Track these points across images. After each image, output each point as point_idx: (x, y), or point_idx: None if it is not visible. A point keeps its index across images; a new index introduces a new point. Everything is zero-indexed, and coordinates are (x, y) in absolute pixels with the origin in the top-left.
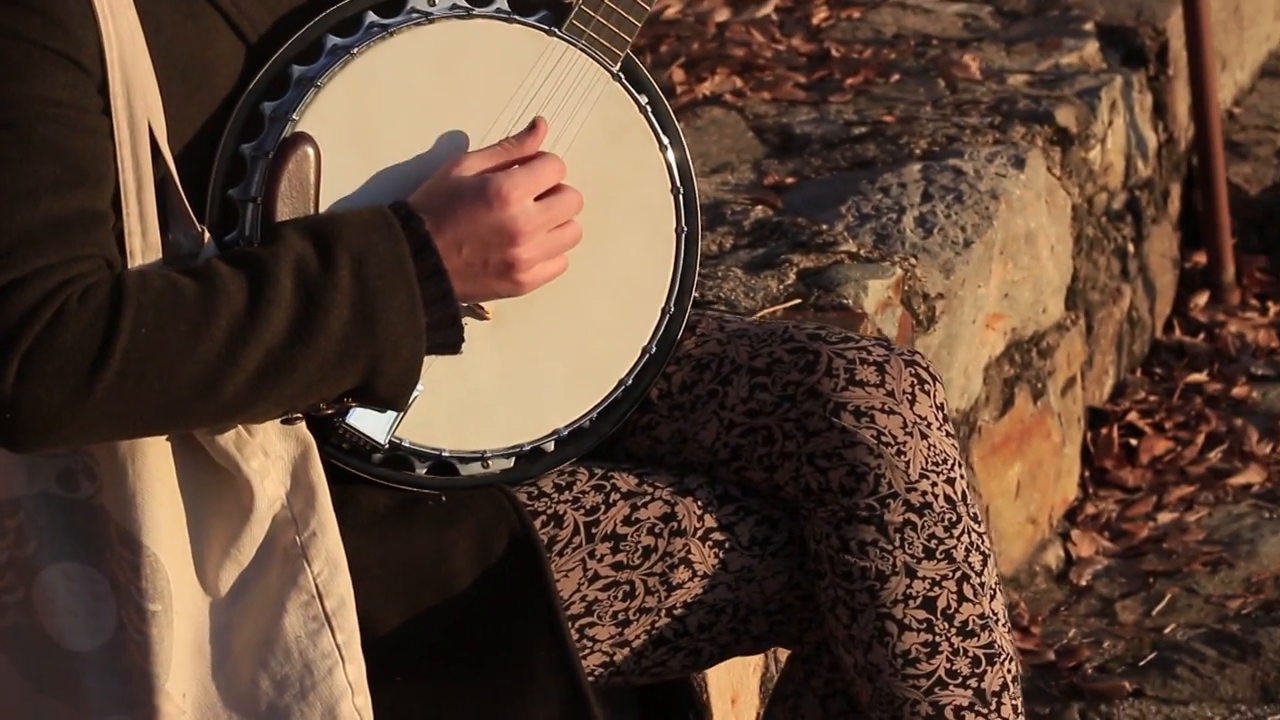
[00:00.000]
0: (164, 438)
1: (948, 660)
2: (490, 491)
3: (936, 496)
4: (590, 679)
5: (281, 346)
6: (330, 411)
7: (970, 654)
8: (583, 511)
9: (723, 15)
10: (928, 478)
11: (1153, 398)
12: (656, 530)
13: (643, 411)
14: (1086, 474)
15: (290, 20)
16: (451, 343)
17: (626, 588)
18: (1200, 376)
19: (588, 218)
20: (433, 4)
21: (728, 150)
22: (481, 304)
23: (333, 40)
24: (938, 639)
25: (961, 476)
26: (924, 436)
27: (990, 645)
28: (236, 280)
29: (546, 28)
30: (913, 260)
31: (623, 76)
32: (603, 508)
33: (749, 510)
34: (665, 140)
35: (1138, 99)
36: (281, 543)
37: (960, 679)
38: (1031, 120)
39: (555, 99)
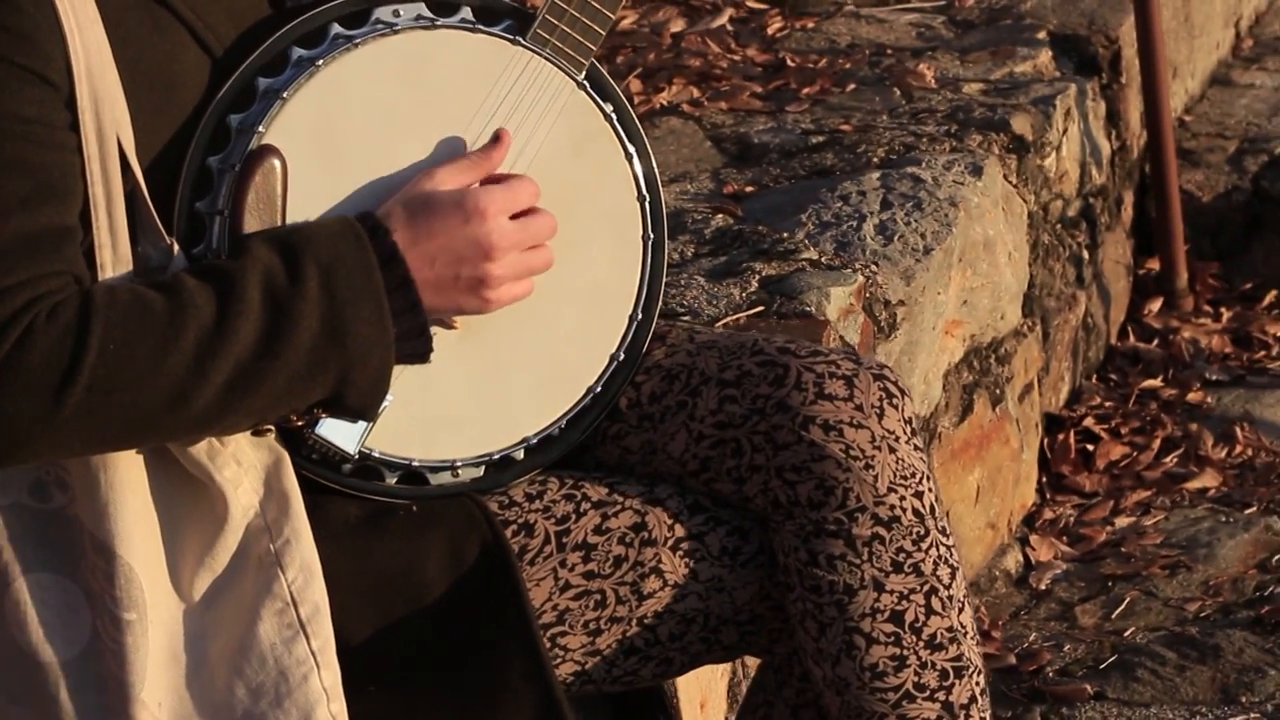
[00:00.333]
0: None
1: (915, 674)
2: (461, 501)
3: (905, 510)
4: (562, 687)
5: (250, 359)
6: (300, 423)
7: (938, 667)
8: (554, 521)
9: (678, 26)
10: (896, 491)
11: (1108, 403)
12: (627, 540)
13: (612, 420)
14: (1044, 479)
15: (255, 32)
16: (420, 353)
17: (598, 597)
18: (1155, 382)
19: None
20: (398, 15)
21: (686, 160)
22: None
23: (298, 52)
24: (906, 652)
25: (930, 490)
26: (892, 450)
27: (958, 658)
28: (204, 293)
29: (511, 37)
30: (874, 267)
31: (588, 85)
32: (574, 517)
33: (719, 520)
34: (631, 148)
35: (1091, 107)
36: (255, 551)
37: (928, 692)
38: (987, 128)
39: (521, 108)
